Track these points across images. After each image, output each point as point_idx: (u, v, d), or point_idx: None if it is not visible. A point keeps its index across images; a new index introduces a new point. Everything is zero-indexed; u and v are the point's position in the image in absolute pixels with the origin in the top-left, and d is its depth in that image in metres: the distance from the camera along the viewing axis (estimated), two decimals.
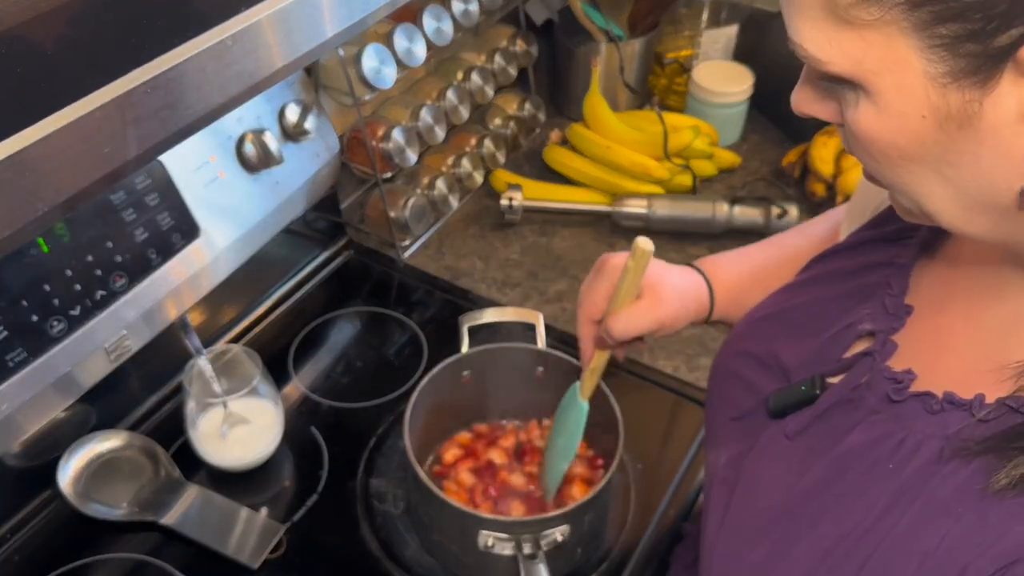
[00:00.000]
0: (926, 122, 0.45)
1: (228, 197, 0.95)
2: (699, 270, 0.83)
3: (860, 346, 0.61)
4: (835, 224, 0.81)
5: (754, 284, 0.81)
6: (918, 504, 0.51)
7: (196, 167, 0.91)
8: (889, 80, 0.45)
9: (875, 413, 0.56)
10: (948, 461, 0.51)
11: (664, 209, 1.24)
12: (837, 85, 0.48)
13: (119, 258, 0.85)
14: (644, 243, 0.74)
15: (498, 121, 1.38)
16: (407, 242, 1.23)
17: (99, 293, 0.83)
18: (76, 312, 0.82)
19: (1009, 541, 0.47)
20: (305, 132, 1.01)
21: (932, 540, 0.50)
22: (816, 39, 0.46)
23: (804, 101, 0.53)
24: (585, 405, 0.84)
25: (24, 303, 0.78)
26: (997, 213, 0.48)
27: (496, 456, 0.91)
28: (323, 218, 1.18)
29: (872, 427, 0.56)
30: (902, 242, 0.63)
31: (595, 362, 0.82)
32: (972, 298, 0.57)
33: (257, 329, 1.10)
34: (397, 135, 1.14)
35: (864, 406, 0.57)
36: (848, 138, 0.51)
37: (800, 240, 0.83)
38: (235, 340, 1.08)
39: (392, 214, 1.18)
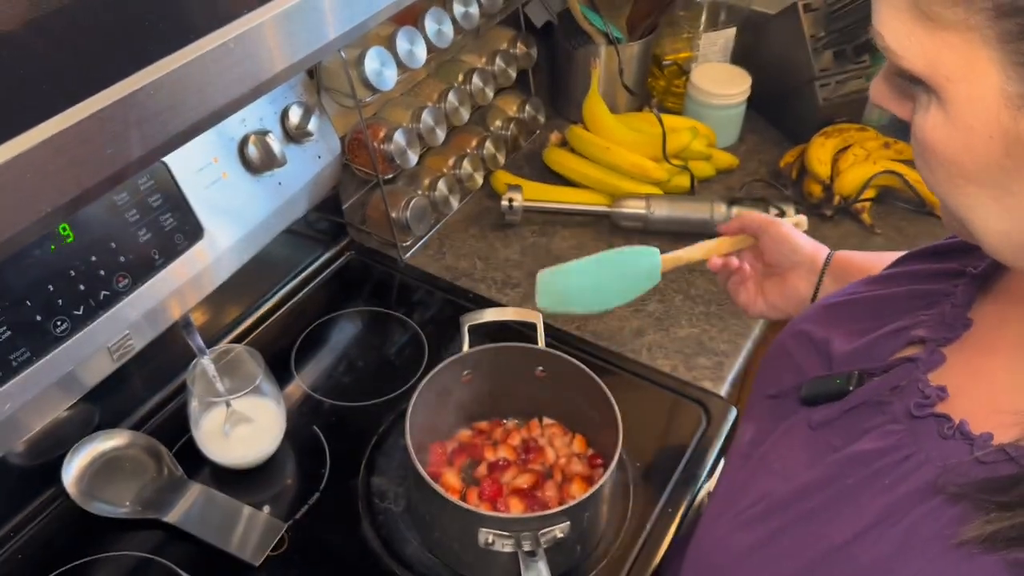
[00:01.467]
0: (993, 143, 0.43)
1: (231, 198, 0.96)
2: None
3: (910, 351, 0.59)
4: None
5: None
6: (899, 531, 0.51)
7: (199, 168, 0.92)
8: (963, 90, 0.43)
9: (894, 422, 0.55)
10: (936, 495, 0.50)
11: (662, 210, 1.24)
12: (913, 84, 0.46)
13: (122, 258, 0.85)
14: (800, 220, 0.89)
15: (498, 123, 1.39)
16: (408, 242, 1.23)
17: (102, 293, 0.84)
18: (79, 312, 0.82)
19: None
20: (307, 134, 1.02)
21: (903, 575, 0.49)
22: (896, 30, 0.44)
23: (880, 95, 0.51)
24: (657, 279, 0.87)
25: (28, 303, 0.78)
26: None
27: (505, 453, 0.92)
28: (325, 219, 1.19)
29: (886, 436, 0.55)
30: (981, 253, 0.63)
31: (699, 250, 0.88)
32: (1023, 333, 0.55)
33: (259, 329, 1.11)
34: (398, 136, 1.15)
35: (888, 412, 0.56)
36: (912, 142, 0.49)
37: None
38: (238, 340, 1.09)
39: (393, 215, 1.19)
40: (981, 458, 0.49)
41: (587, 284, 0.88)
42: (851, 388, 0.59)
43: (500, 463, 0.91)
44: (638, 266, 0.88)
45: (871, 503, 0.53)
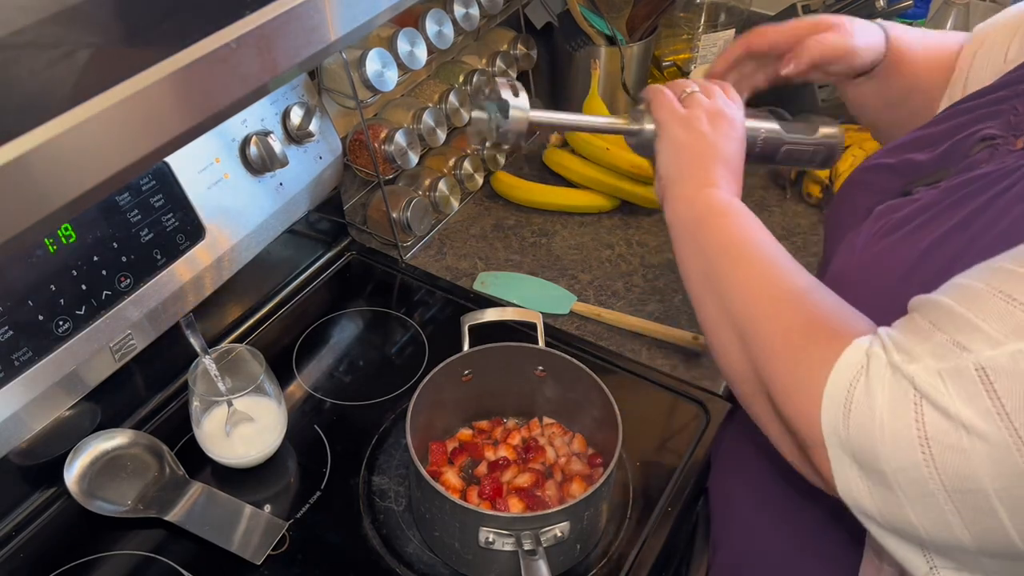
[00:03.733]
0: None
1: (233, 198, 0.96)
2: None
3: (983, 146, 0.68)
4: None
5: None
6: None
7: (201, 169, 0.93)
8: None
9: (1001, 162, 0.63)
10: None
11: None
12: None
13: (124, 258, 0.86)
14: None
15: None
16: (409, 243, 1.24)
17: (104, 293, 0.85)
18: (81, 312, 0.83)
19: None
20: (308, 134, 1.03)
21: None
22: None
23: None
24: (566, 312, 1.12)
25: (30, 303, 0.79)
26: None
27: (506, 453, 0.92)
28: (326, 219, 1.19)
29: (1002, 163, 0.63)
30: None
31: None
32: None
33: (261, 328, 1.11)
34: (399, 137, 1.15)
35: (989, 164, 0.64)
36: None
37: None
38: (239, 339, 1.09)
39: (394, 215, 1.19)
40: None
41: (517, 287, 1.15)
42: (949, 172, 0.67)
43: (500, 462, 0.91)
44: (559, 296, 1.15)
45: (999, 188, 0.61)
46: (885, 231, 0.67)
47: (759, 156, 0.86)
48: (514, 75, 1.37)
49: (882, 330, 0.55)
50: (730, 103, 0.79)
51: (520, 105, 0.76)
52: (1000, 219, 0.59)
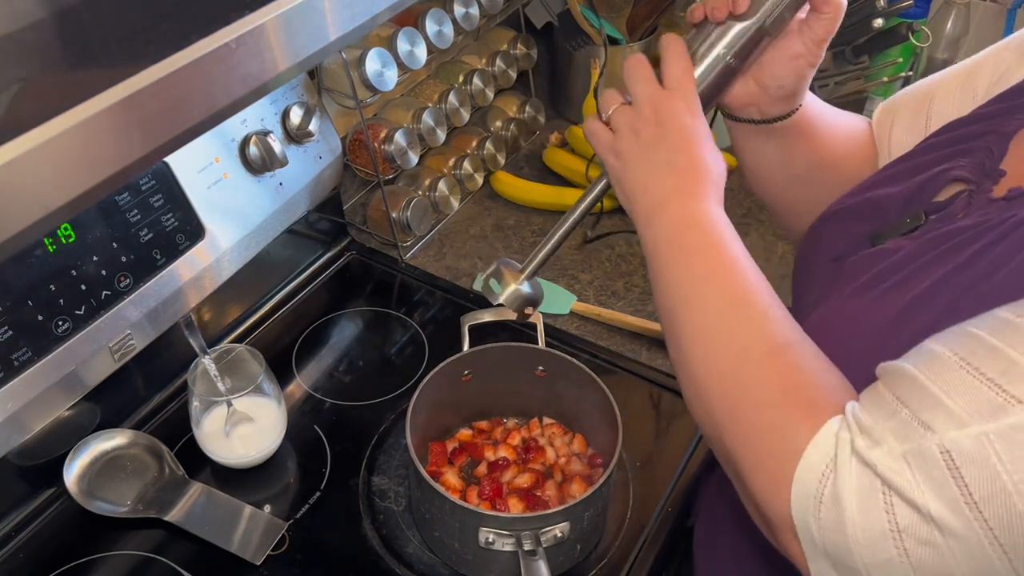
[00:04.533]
0: None
1: (232, 198, 0.96)
2: None
3: (953, 190, 0.63)
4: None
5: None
6: (1011, 240, 0.54)
7: (201, 168, 0.93)
8: None
9: (982, 210, 0.58)
10: None
11: None
12: None
13: (124, 258, 0.86)
14: None
15: (498, 123, 1.39)
16: (409, 243, 1.24)
17: (104, 293, 0.85)
18: (81, 312, 0.83)
19: None
20: (308, 134, 1.03)
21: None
22: None
23: None
24: (566, 312, 1.10)
25: (30, 303, 0.79)
26: None
27: (506, 453, 0.92)
28: (326, 219, 1.19)
29: (983, 216, 0.57)
30: (1011, 114, 0.64)
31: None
32: None
33: (261, 328, 1.11)
34: (399, 137, 1.15)
35: (968, 218, 0.59)
36: None
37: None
38: (239, 339, 1.09)
39: (394, 215, 1.19)
40: None
41: None
42: (922, 222, 0.62)
43: (500, 463, 0.91)
44: (559, 296, 1.15)
45: (982, 245, 0.55)
46: (862, 287, 0.62)
47: (741, 61, 0.73)
48: (514, 75, 1.37)
49: (849, 408, 0.51)
50: (664, 87, 0.68)
51: (506, 294, 0.71)
52: (986, 278, 0.55)
